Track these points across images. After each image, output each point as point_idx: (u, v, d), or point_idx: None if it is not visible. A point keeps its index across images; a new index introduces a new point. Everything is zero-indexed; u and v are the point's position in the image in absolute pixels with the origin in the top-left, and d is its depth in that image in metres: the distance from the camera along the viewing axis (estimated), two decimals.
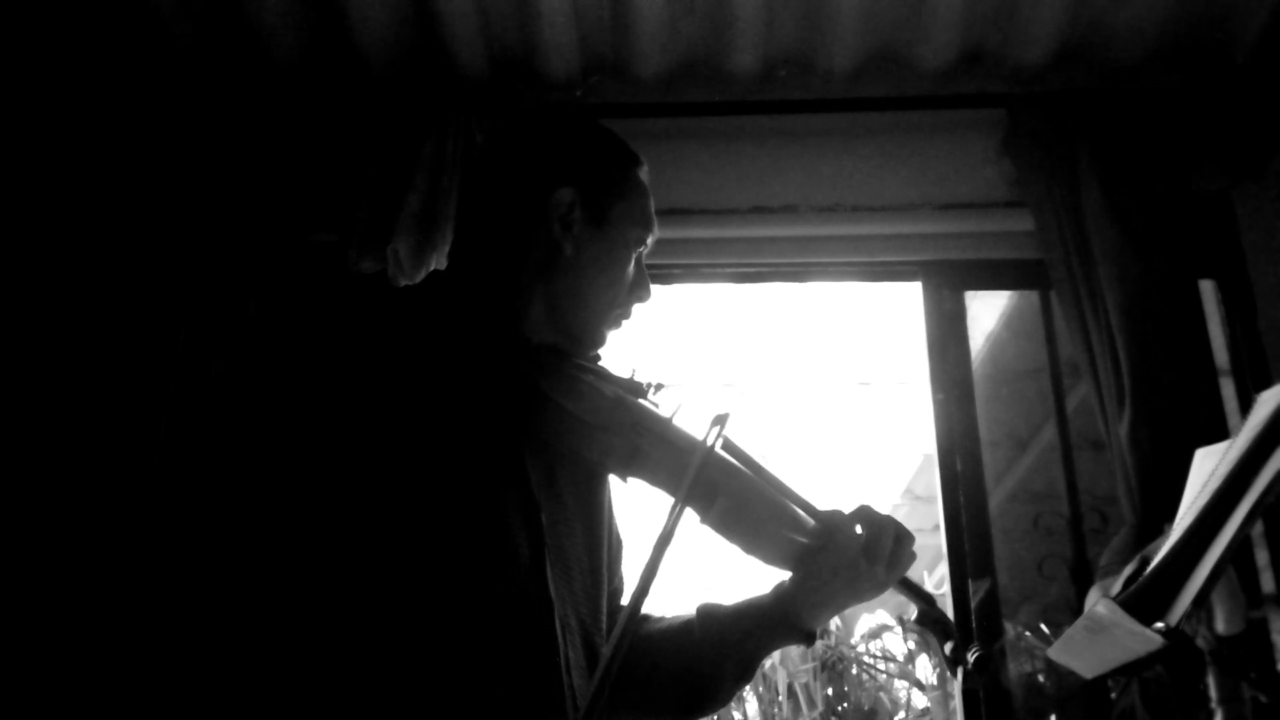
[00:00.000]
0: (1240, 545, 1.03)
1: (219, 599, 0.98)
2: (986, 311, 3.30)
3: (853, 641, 6.91)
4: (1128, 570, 1.35)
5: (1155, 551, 1.12)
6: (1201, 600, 1.01)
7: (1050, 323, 2.32)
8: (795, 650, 6.54)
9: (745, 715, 6.67)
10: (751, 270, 2.42)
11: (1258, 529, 2.01)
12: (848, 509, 1.16)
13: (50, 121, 2.27)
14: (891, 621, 6.87)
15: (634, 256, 1.28)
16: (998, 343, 3.30)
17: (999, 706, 2.02)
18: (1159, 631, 1.01)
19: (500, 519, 1.06)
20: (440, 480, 1.04)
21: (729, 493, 1.11)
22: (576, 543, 1.15)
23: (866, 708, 6.53)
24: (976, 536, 2.12)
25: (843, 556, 1.12)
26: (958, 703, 2.09)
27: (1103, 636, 1.09)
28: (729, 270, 2.42)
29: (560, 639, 1.05)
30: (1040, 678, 3.17)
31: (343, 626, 0.97)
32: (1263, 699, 1.30)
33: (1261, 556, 2.01)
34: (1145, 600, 1.05)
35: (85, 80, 2.29)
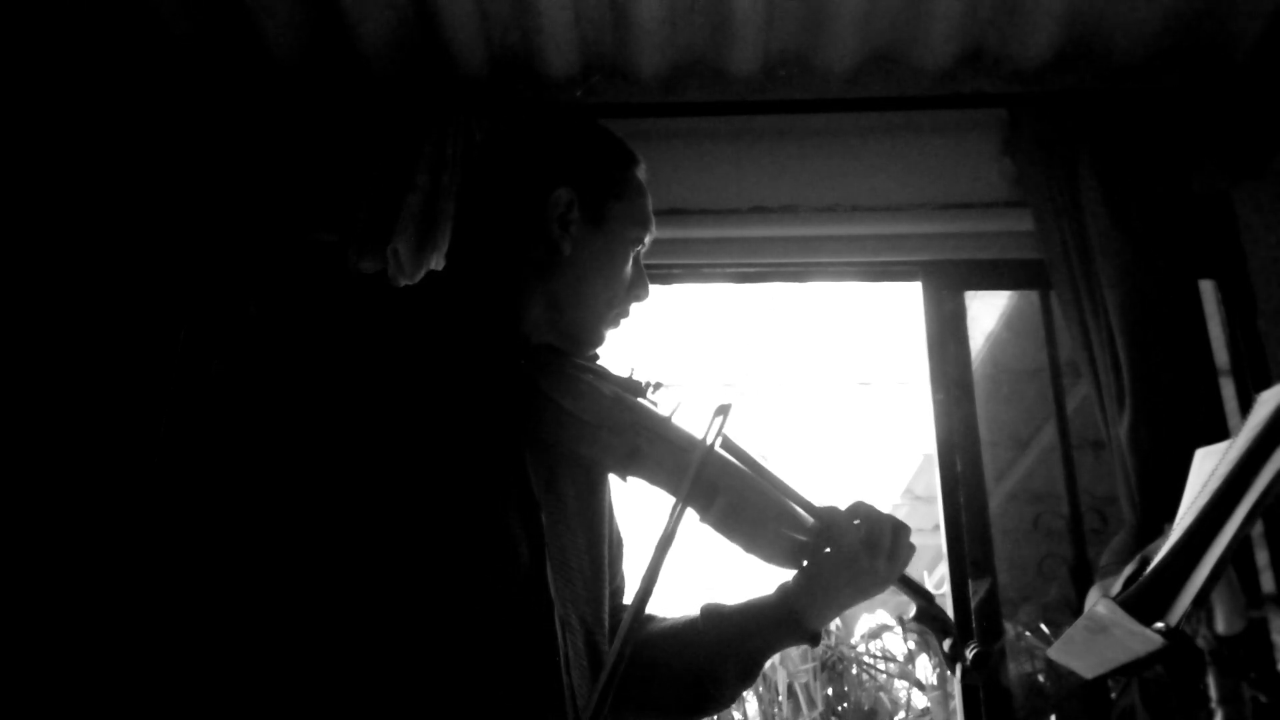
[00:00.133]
0: (1240, 545, 1.03)
1: (219, 599, 0.98)
2: (986, 311, 3.30)
3: (853, 641, 6.91)
4: (1128, 570, 1.35)
5: (1155, 551, 1.12)
6: (1201, 600, 1.01)
7: (1050, 323, 2.32)
8: (795, 650, 6.54)
9: (745, 715, 6.67)
10: (751, 270, 2.42)
11: (1258, 529, 2.01)
12: (844, 506, 1.16)
13: (51, 121, 2.27)
14: (891, 621, 6.87)
15: (632, 256, 1.28)
16: (998, 343, 3.30)
17: (999, 706, 2.02)
18: (1159, 631, 1.01)
19: (500, 519, 1.06)
20: (440, 480, 1.04)
21: (729, 491, 1.11)
22: (577, 542, 1.16)
23: (866, 708, 6.53)
24: (976, 536, 2.12)
25: (844, 553, 1.12)
26: (958, 703, 2.08)
27: (1103, 636, 1.09)
28: (729, 270, 2.42)
29: (560, 638, 1.05)
30: (1040, 678, 3.17)
31: (343, 626, 0.97)
32: (1263, 699, 1.30)
33: (1261, 556, 2.01)
34: (1145, 600, 1.05)
35: (85, 80, 2.30)
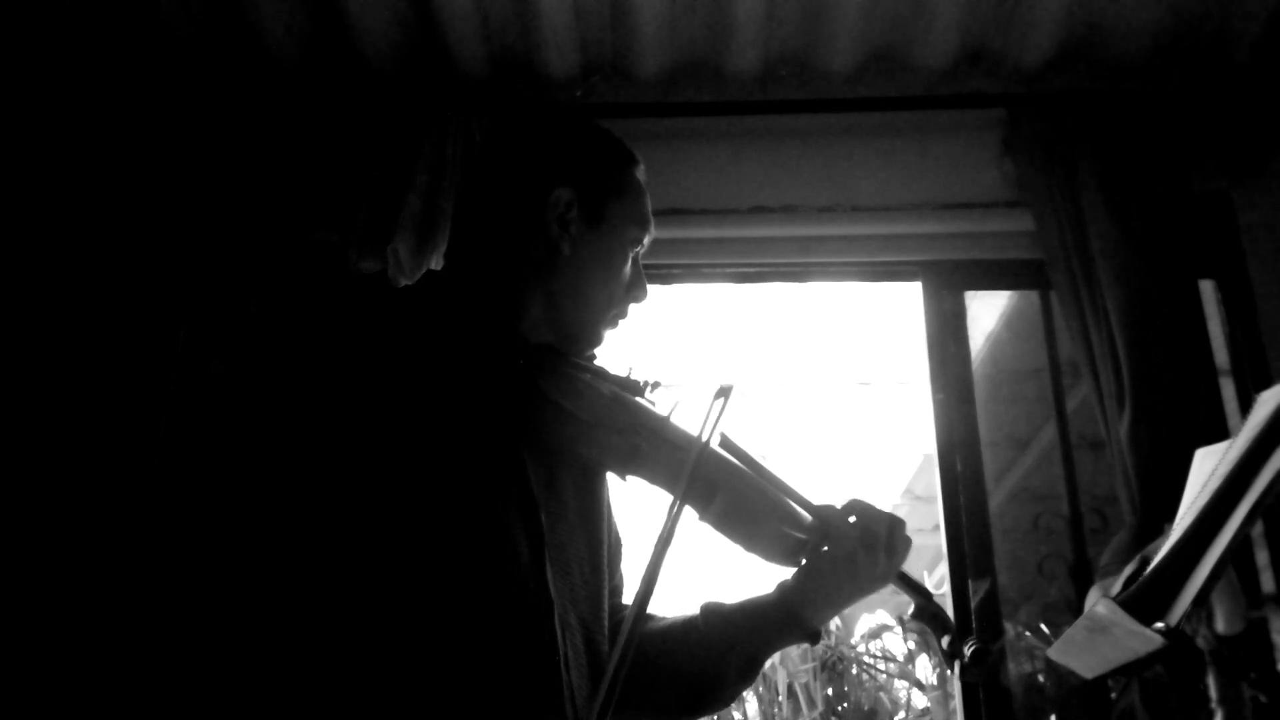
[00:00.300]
0: (1240, 545, 1.03)
1: (218, 598, 0.98)
2: (986, 311, 3.30)
3: (853, 641, 6.91)
4: (1128, 570, 1.35)
5: (1155, 551, 1.12)
6: (1201, 600, 1.01)
7: (1050, 323, 2.32)
8: (795, 650, 6.53)
9: (745, 715, 6.67)
10: (751, 270, 2.42)
11: (1258, 529, 2.01)
12: (840, 504, 1.16)
13: (50, 121, 2.27)
14: (891, 621, 6.87)
15: (631, 256, 1.28)
16: (998, 343, 3.30)
17: (999, 706, 2.02)
18: (1159, 631, 1.01)
19: (500, 518, 1.06)
20: (440, 480, 1.04)
21: (727, 490, 1.12)
22: (577, 541, 1.16)
23: (866, 708, 6.53)
24: (976, 536, 2.12)
25: (842, 550, 1.13)
26: (958, 702, 2.08)
27: (1103, 636, 1.09)
28: (729, 270, 2.42)
29: (560, 637, 1.05)
30: (1040, 678, 3.17)
31: (342, 626, 0.97)
32: (1263, 699, 1.30)
33: (1261, 556, 2.01)
34: (1145, 600, 1.05)
35: (85, 80, 2.30)
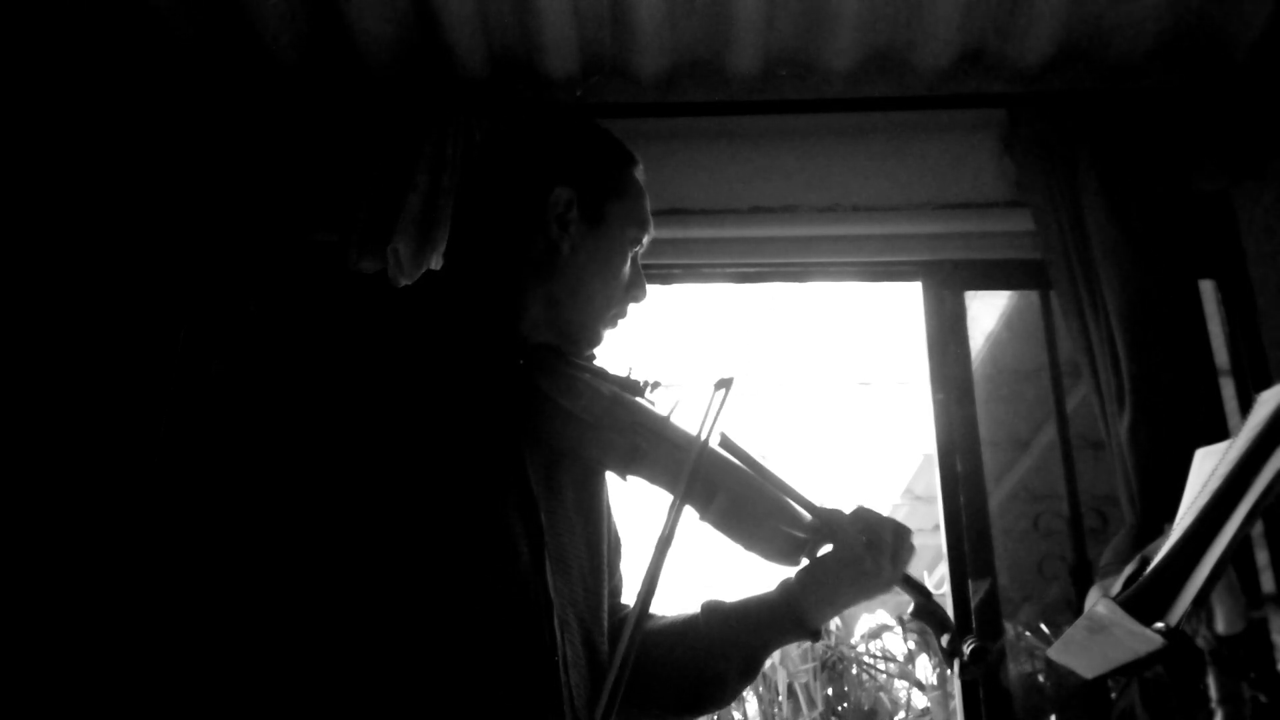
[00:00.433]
0: (1240, 545, 1.03)
1: (218, 598, 0.98)
2: (986, 311, 3.30)
3: (853, 641, 6.90)
4: (1128, 570, 1.35)
5: (1155, 551, 1.12)
6: (1201, 600, 1.01)
7: (1050, 323, 2.32)
8: (795, 650, 6.53)
9: (745, 715, 6.67)
10: (751, 270, 2.42)
11: (1258, 529, 2.01)
12: (845, 510, 1.17)
13: (50, 121, 2.27)
14: (891, 621, 6.86)
15: (630, 256, 1.28)
16: (998, 343, 3.30)
17: (999, 706, 2.02)
18: (1159, 631, 1.01)
19: (500, 518, 1.06)
20: (440, 479, 1.04)
21: (728, 489, 1.12)
22: (576, 541, 1.16)
23: (866, 708, 6.53)
24: (976, 536, 2.12)
25: (847, 552, 1.13)
26: (958, 703, 2.08)
27: (1103, 636, 1.09)
28: (729, 270, 2.42)
29: (559, 637, 1.05)
30: (1040, 678, 3.17)
31: (342, 625, 0.97)
32: (1263, 699, 1.30)
33: (1261, 556, 2.01)
34: (1145, 600, 1.05)
35: (85, 80, 2.30)
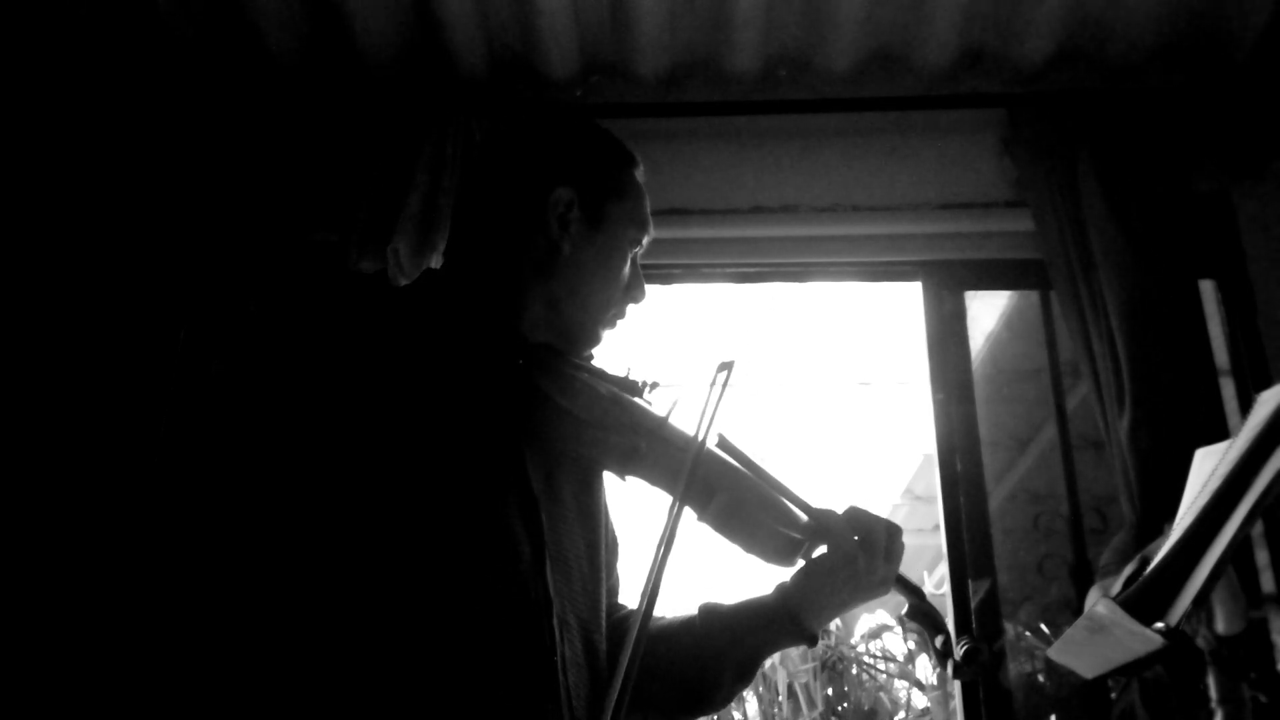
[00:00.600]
0: (1240, 545, 1.03)
1: (218, 598, 0.98)
2: (986, 311, 3.30)
3: (853, 641, 6.91)
4: (1128, 570, 1.35)
5: (1155, 551, 1.12)
6: (1201, 600, 1.01)
7: (1050, 323, 2.32)
8: (795, 650, 6.53)
9: (745, 715, 6.67)
10: (751, 270, 2.42)
11: (1258, 529, 2.01)
12: (838, 510, 1.16)
13: (51, 121, 2.27)
14: (891, 621, 6.87)
15: (630, 257, 1.28)
16: (998, 343, 3.30)
17: (999, 706, 2.02)
18: (1159, 631, 1.01)
19: (501, 518, 1.06)
20: (441, 478, 1.04)
21: (725, 490, 1.12)
22: (576, 541, 1.16)
23: (866, 708, 6.53)
24: (976, 536, 2.12)
25: (841, 554, 1.13)
26: (958, 702, 2.08)
27: (1103, 636, 1.09)
28: (729, 270, 2.42)
29: (559, 637, 1.05)
30: (1040, 678, 3.17)
31: (343, 625, 0.97)
32: (1263, 699, 1.30)
33: (1261, 556, 2.01)
34: (1145, 600, 1.05)
35: (85, 80, 2.30)
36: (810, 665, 6.51)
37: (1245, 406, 2.11)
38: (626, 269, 1.28)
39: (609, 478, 1.25)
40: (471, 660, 0.99)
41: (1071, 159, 2.18)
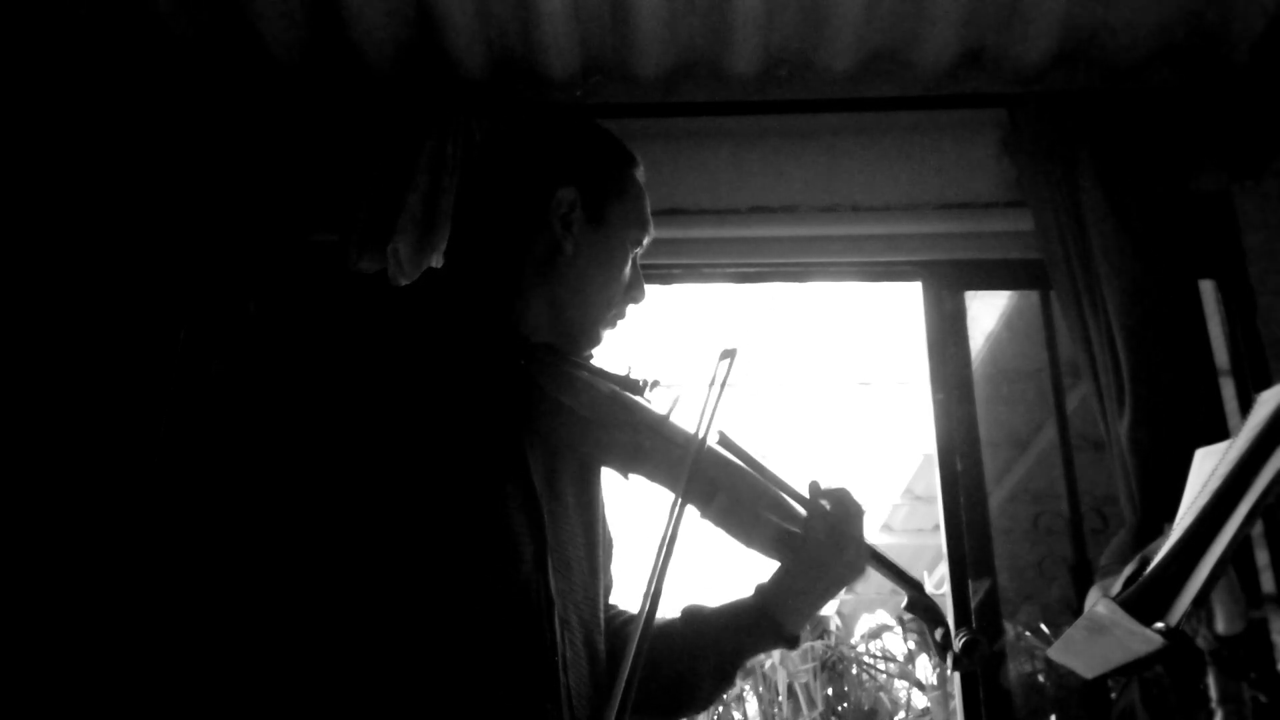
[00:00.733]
0: (1240, 545, 1.03)
1: (219, 598, 0.98)
2: (986, 311, 3.30)
3: (853, 641, 6.91)
4: (1128, 570, 1.35)
5: (1155, 551, 1.12)
6: (1201, 600, 1.01)
7: (1050, 323, 2.32)
8: (795, 650, 6.53)
9: (745, 715, 6.67)
10: (751, 270, 2.42)
11: (1258, 529, 2.01)
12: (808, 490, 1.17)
13: (50, 121, 2.27)
14: (891, 621, 6.87)
15: (631, 257, 1.28)
16: (998, 343, 3.30)
17: (999, 706, 2.02)
18: (1159, 631, 1.01)
19: (503, 517, 1.06)
20: (443, 478, 1.04)
21: (728, 487, 1.12)
22: (576, 540, 1.16)
23: (866, 708, 6.53)
24: (976, 536, 2.12)
25: (812, 548, 1.13)
26: (958, 702, 2.09)
27: (1103, 636, 1.09)
28: (729, 270, 2.42)
29: (559, 637, 1.05)
30: (1040, 678, 3.17)
31: (344, 625, 0.97)
32: (1263, 699, 1.30)
33: (1261, 556, 2.01)
34: (1145, 600, 1.05)
35: (85, 80, 2.30)
36: (810, 665, 6.52)
37: (1245, 406, 2.11)
38: (627, 269, 1.28)
39: (610, 477, 1.25)
40: (473, 660, 0.99)
41: (1071, 159, 2.18)
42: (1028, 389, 3.19)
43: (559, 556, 1.10)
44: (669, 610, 1.25)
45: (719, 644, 1.20)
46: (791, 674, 6.47)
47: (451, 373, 1.11)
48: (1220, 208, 2.24)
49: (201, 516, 1.02)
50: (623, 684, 0.80)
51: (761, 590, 1.19)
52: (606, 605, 1.27)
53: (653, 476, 1.13)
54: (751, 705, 6.61)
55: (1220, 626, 1.34)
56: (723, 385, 1.03)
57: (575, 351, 1.24)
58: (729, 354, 1.05)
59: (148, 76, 2.31)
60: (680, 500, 0.94)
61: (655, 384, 1.20)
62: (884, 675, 6.78)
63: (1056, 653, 1.23)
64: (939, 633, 1.13)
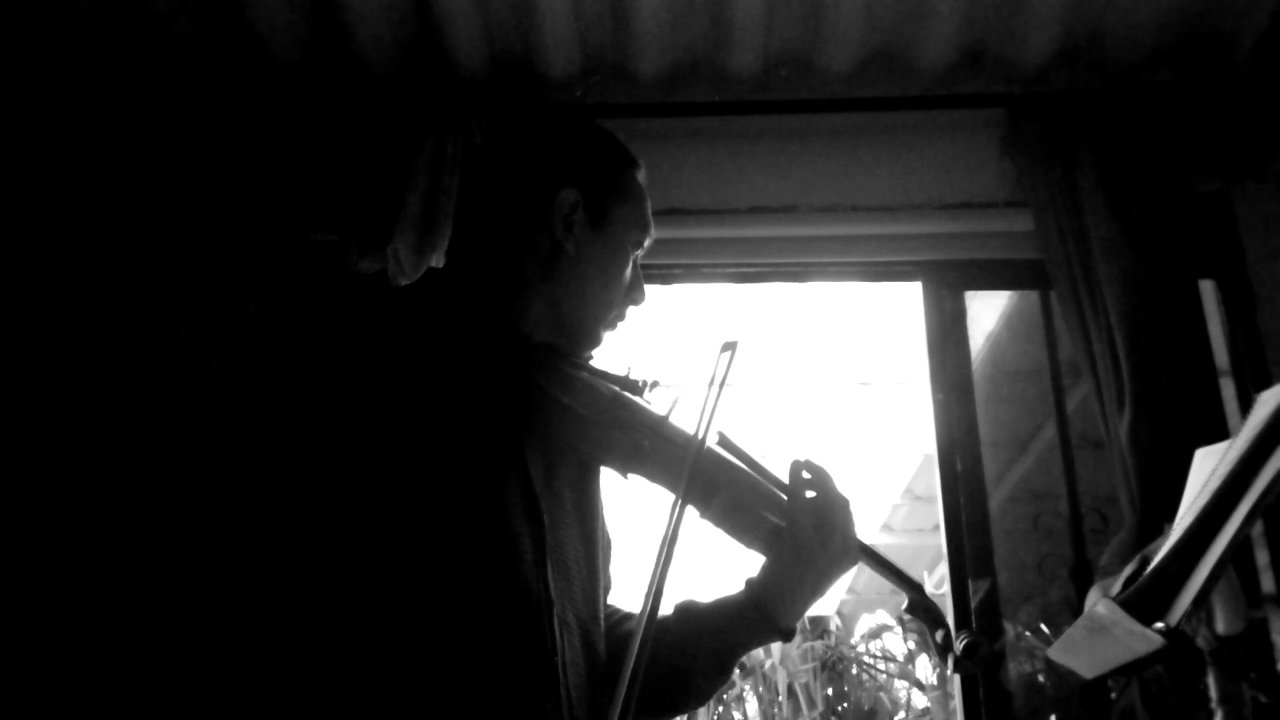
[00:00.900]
0: (1240, 545, 1.03)
1: (218, 598, 0.98)
2: (986, 311, 3.30)
3: (853, 641, 6.91)
4: (1128, 570, 1.35)
5: (1155, 551, 1.12)
6: (1201, 600, 1.01)
7: (1050, 323, 2.32)
8: (795, 650, 6.53)
9: (745, 715, 6.67)
10: (751, 270, 2.42)
11: (1258, 529, 2.01)
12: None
13: (50, 121, 2.27)
14: (891, 621, 6.87)
15: (631, 259, 1.29)
16: (998, 343, 3.30)
17: (999, 706, 2.02)
18: (1159, 631, 1.01)
19: (503, 517, 1.06)
20: (443, 478, 1.04)
21: (727, 488, 1.13)
22: (574, 540, 1.16)
23: (866, 708, 6.53)
24: (976, 536, 2.12)
25: (797, 538, 1.13)
26: (958, 702, 2.09)
27: (1103, 636, 1.09)
28: (729, 270, 2.42)
29: (558, 638, 1.05)
30: (1040, 678, 3.17)
31: (344, 624, 0.97)
32: (1263, 699, 1.30)
33: (1261, 556, 2.01)
34: (1145, 600, 1.05)
35: (85, 80, 2.30)
36: (810, 665, 6.52)
37: (1245, 406, 2.11)
38: (628, 271, 1.28)
39: (609, 477, 1.25)
40: (473, 660, 0.99)
41: (1071, 159, 2.18)
42: (1028, 389, 3.18)
43: (558, 557, 1.10)
44: (663, 609, 1.25)
45: (714, 639, 1.20)
46: (791, 674, 6.47)
47: (452, 372, 1.12)
48: (1220, 208, 2.24)
49: (202, 516, 1.02)
50: (625, 685, 0.80)
51: (751, 584, 1.19)
52: (605, 606, 1.27)
53: (653, 477, 1.14)
54: (751, 705, 6.61)
55: (1220, 626, 1.34)
56: (724, 378, 1.03)
57: (575, 352, 1.24)
58: (730, 346, 1.06)
59: (147, 76, 2.31)
60: (680, 501, 0.94)
61: (655, 384, 1.20)
62: (884, 675, 6.78)
63: (1056, 653, 1.23)
64: (939, 634, 1.13)
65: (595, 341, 1.26)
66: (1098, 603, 1.08)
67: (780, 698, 6.45)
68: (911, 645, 6.59)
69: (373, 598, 0.98)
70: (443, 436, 1.06)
